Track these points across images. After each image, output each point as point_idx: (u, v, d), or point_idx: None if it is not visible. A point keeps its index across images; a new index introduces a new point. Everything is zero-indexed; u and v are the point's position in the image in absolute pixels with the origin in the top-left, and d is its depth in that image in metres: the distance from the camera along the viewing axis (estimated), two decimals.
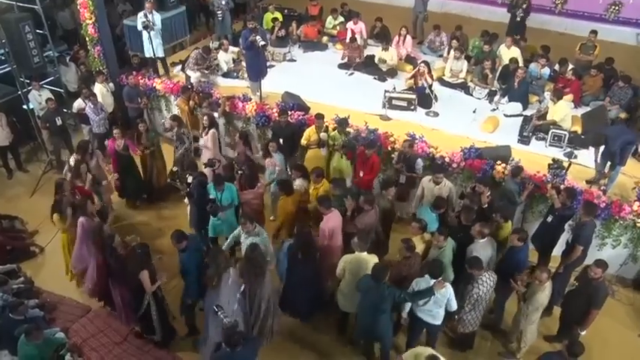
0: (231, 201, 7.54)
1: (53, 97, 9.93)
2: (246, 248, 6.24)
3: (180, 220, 8.56)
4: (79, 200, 7.42)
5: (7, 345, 6.41)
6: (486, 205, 7.09)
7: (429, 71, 9.92)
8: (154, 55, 10.45)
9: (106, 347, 6.94)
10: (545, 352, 5.75)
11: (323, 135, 8.43)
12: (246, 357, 5.48)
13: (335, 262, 6.54)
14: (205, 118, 8.89)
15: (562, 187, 7.45)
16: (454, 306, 6.02)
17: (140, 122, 9.04)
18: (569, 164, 7.87)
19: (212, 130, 8.80)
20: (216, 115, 9.28)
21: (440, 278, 5.81)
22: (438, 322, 6.13)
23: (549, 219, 7.21)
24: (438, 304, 5.92)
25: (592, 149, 8.25)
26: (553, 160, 7.93)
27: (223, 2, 12.40)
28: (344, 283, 6.45)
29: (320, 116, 8.55)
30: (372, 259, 6.24)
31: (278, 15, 12.78)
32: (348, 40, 11.72)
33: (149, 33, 10.03)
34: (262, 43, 9.24)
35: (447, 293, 5.87)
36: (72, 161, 8.27)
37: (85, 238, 7.11)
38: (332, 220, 6.79)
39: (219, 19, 12.49)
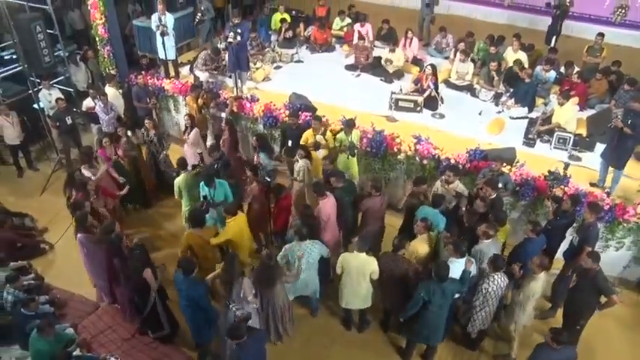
0: (224, 198, 7.62)
1: (63, 97, 10.05)
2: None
3: (174, 226, 8.94)
4: (78, 214, 7.25)
5: (18, 340, 6.58)
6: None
7: (435, 73, 9.99)
8: (166, 57, 10.58)
9: (115, 343, 7.05)
10: (537, 344, 5.81)
11: (318, 137, 8.51)
12: (256, 349, 5.61)
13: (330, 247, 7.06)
14: (186, 117, 9.12)
15: (563, 194, 7.51)
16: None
17: (119, 127, 9.11)
18: (566, 167, 7.89)
19: (195, 130, 9.08)
20: (223, 115, 9.39)
21: (466, 257, 6.17)
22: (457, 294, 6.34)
23: (549, 226, 7.30)
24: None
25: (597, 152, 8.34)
26: (549, 172, 7.97)
27: (202, 7, 11.88)
28: (343, 282, 6.62)
29: (317, 118, 8.64)
30: (372, 263, 6.40)
31: (286, 16, 12.88)
32: (355, 41, 11.83)
33: (163, 37, 10.16)
34: (230, 40, 9.54)
35: (473, 269, 6.23)
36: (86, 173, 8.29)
37: (89, 254, 7.16)
38: (327, 206, 7.09)
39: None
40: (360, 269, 6.41)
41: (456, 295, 6.20)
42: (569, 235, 7.41)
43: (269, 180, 7.58)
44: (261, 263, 6.33)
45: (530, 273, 6.16)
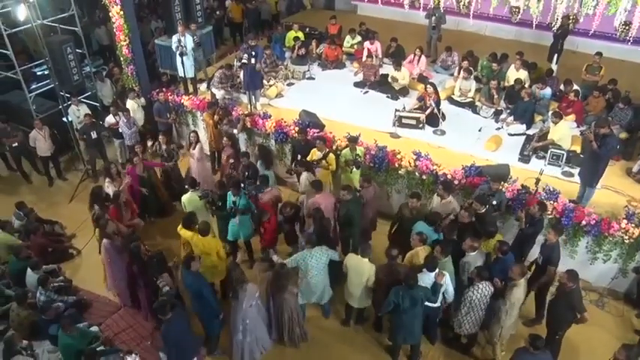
0: (247, 206, 8.27)
1: (90, 113, 10.85)
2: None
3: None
4: (102, 222, 8.04)
5: (47, 337, 7.32)
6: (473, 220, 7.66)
7: (436, 92, 10.53)
8: (185, 75, 11.32)
9: (135, 341, 7.74)
10: (516, 349, 6.30)
11: (318, 155, 9.07)
12: (180, 324, 6.47)
13: None
14: (192, 134, 9.81)
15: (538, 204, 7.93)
16: (451, 294, 6.82)
17: (136, 144, 9.94)
18: (538, 180, 8.22)
19: (199, 145, 9.78)
20: (235, 131, 10.05)
21: (437, 270, 6.63)
22: (437, 304, 6.82)
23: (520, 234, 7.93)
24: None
25: None
26: (522, 186, 8.50)
27: (191, 45, 11.17)
28: (346, 279, 7.30)
29: (322, 140, 9.24)
30: (370, 269, 7.04)
31: (300, 34, 13.55)
32: (364, 59, 12.41)
33: (182, 57, 10.89)
34: (244, 61, 10.32)
35: (446, 281, 6.68)
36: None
37: (112, 259, 7.90)
38: (320, 200, 8.02)
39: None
40: (358, 271, 7.07)
41: (435, 304, 6.76)
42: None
43: (254, 193, 8.28)
44: (274, 271, 6.97)
45: (511, 282, 6.64)
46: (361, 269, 7.06)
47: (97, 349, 6.86)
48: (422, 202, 8.20)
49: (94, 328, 7.47)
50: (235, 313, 6.80)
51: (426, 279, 6.63)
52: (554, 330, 6.99)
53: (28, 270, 7.96)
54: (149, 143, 10.00)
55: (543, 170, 8.28)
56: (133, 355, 6.95)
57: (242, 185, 8.42)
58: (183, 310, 6.86)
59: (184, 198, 8.54)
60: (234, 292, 6.67)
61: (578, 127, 10.37)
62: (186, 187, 8.65)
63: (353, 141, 9.11)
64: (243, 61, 10.18)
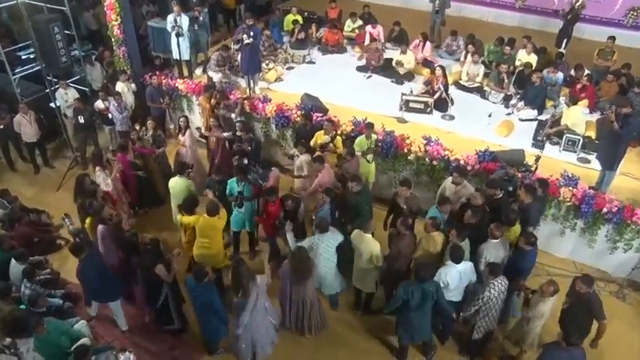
0: (252, 192, 7.80)
1: (79, 96, 10.27)
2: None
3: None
4: (96, 206, 7.48)
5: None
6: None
7: (445, 75, 10.08)
8: (181, 58, 10.75)
9: (125, 335, 7.29)
10: (544, 344, 5.88)
11: (325, 138, 8.65)
12: (95, 262, 6.74)
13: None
14: (182, 119, 9.26)
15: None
16: (474, 279, 6.50)
17: (132, 130, 9.55)
18: (538, 157, 7.97)
19: (189, 131, 9.21)
20: (233, 115, 9.52)
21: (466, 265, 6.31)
22: (459, 298, 6.55)
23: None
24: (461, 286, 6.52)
25: None
26: (524, 165, 8.19)
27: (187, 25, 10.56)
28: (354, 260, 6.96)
29: (330, 121, 8.79)
30: (373, 246, 6.71)
31: (298, 18, 13.08)
32: (367, 43, 11.94)
33: (178, 38, 10.33)
34: (246, 41, 9.76)
35: (471, 275, 6.41)
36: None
37: (107, 247, 7.31)
38: (324, 174, 7.95)
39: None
40: (361, 248, 6.71)
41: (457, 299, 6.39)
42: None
43: (261, 182, 7.83)
44: (298, 257, 6.50)
45: (539, 296, 6.15)
46: (367, 246, 6.67)
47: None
48: (416, 189, 7.96)
49: (80, 324, 6.89)
50: (243, 309, 6.26)
51: (453, 272, 6.19)
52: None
53: (12, 261, 7.36)
54: (137, 127, 9.40)
55: (540, 156, 8.05)
56: (127, 352, 6.39)
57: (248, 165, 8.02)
58: (95, 248, 7.02)
59: (170, 182, 8.09)
60: (244, 290, 6.13)
61: (590, 112, 9.98)
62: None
63: (370, 127, 8.63)
64: (246, 41, 9.63)
